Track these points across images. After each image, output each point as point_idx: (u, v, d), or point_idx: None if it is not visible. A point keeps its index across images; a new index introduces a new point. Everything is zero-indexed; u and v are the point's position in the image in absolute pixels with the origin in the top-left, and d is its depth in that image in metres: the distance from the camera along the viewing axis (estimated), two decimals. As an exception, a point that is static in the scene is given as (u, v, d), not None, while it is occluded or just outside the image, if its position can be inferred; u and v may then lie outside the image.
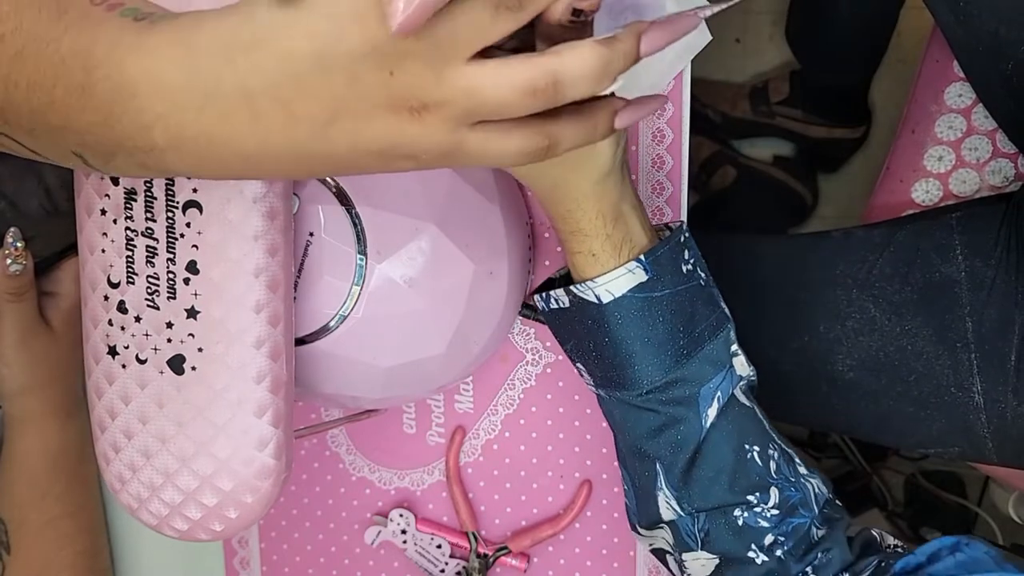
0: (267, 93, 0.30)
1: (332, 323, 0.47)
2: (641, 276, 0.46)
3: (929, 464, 1.27)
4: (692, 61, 0.57)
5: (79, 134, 0.32)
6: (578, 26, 0.33)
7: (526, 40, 0.35)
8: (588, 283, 0.46)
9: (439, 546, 0.66)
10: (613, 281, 0.46)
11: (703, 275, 0.50)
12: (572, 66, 0.30)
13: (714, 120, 1.30)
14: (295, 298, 0.47)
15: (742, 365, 0.51)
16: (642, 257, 0.46)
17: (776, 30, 1.30)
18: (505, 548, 0.64)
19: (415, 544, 0.66)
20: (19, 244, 0.51)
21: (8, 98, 0.32)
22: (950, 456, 0.70)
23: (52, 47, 0.30)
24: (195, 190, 0.41)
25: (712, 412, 0.48)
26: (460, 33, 0.29)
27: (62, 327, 0.57)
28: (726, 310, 0.51)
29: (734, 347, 0.50)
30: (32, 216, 0.53)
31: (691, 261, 0.49)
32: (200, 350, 0.42)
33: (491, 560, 0.65)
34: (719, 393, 0.48)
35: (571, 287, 0.48)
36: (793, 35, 1.21)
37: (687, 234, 0.49)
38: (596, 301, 0.47)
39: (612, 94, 0.37)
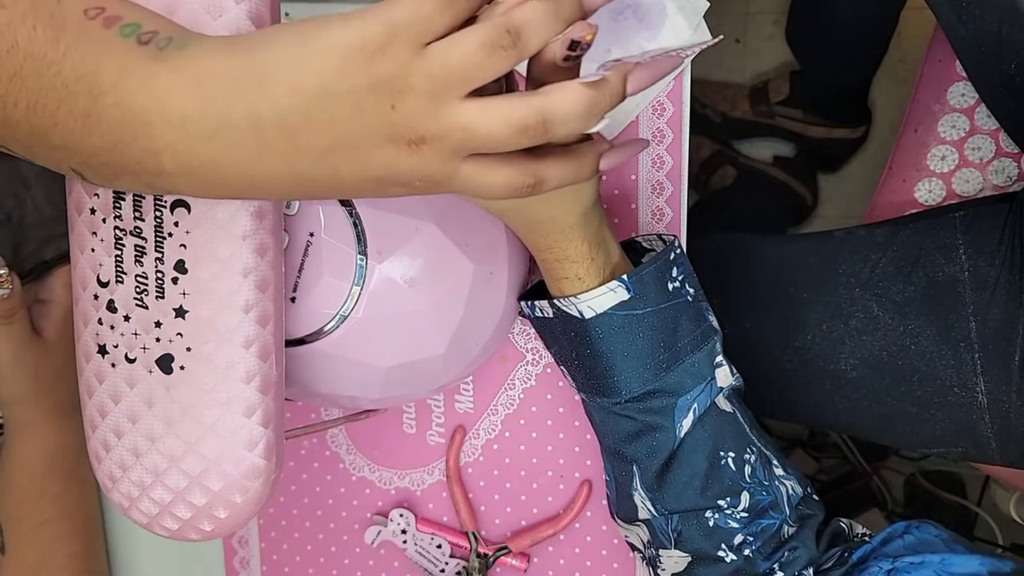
0: (275, 123, 0.31)
1: (332, 323, 0.47)
2: (623, 295, 0.47)
3: (929, 464, 1.28)
4: (692, 61, 0.57)
5: (83, 155, 0.32)
6: (569, 66, 0.35)
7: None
8: (571, 299, 0.48)
9: (439, 546, 0.66)
10: (595, 299, 0.48)
11: (691, 290, 0.51)
12: (561, 106, 0.32)
13: (714, 120, 1.30)
14: (295, 299, 0.47)
15: (725, 376, 0.51)
16: (625, 277, 0.47)
17: (776, 30, 1.30)
18: (505, 548, 0.64)
19: (415, 544, 0.66)
20: (2, 271, 0.51)
21: (6, 116, 0.31)
22: (953, 456, 0.70)
23: (53, 70, 0.30)
24: (183, 189, 0.41)
25: (687, 423, 0.50)
26: (455, 69, 0.31)
27: (55, 336, 0.57)
28: (713, 323, 0.52)
29: (719, 358, 0.51)
30: (25, 223, 0.53)
31: (679, 278, 0.50)
32: (188, 349, 0.42)
33: (491, 560, 0.65)
34: (695, 405, 0.50)
35: (555, 300, 0.49)
36: (793, 35, 1.21)
37: (679, 250, 0.50)
38: (579, 316, 0.48)
39: (599, 137, 0.38)
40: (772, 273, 0.72)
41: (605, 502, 0.64)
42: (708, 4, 0.55)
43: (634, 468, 0.51)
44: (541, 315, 0.51)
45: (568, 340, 0.50)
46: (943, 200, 0.78)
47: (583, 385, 0.52)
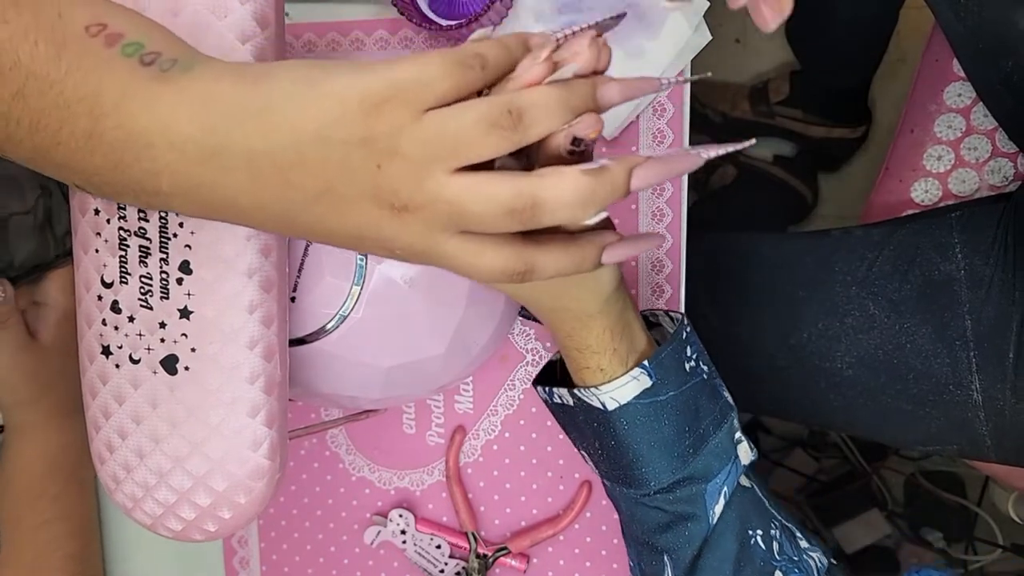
0: (268, 158, 0.31)
1: (332, 323, 0.47)
2: (646, 382, 0.45)
3: (929, 464, 1.28)
4: (692, 61, 0.57)
5: (85, 174, 0.32)
6: (573, 160, 0.33)
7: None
8: (593, 390, 0.46)
9: (439, 546, 0.66)
10: (618, 389, 0.45)
11: (706, 368, 0.49)
12: (553, 192, 0.30)
13: (714, 120, 1.30)
14: (295, 298, 0.47)
15: (746, 452, 0.50)
16: (646, 363, 0.45)
17: (776, 30, 1.30)
18: (505, 548, 0.64)
19: (415, 544, 0.66)
20: None
21: (8, 134, 0.31)
22: (949, 454, 0.70)
23: (56, 89, 0.30)
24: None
25: (718, 508, 0.48)
26: (448, 141, 0.29)
27: (51, 339, 0.57)
28: (729, 399, 0.50)
29: (738, 435, 0.50)
30: (19, 228, 0.53)
31: (694, 357, 0.48)
32: (193, 350, 0.42)
33: (490, 560, 0.65)
34: (725, 488, 0.48)
35: (575, 391, 0.47)
36: (794, 35, 1.22)
37: (688, 328, 0.49)
38: (601, 407, 0.46)
39: (610, 225, 0.37)
40: (769, 272, 0.72)
41: (605, 503, 0.64)
42: (708, 4, 0.56)
43: (666, 559, 0.49)
44: (560, 402, 0.49)
45: (591, 430, 0.48)
46: (939, 200, 0.78)
47: (606, 473, 0.50)
